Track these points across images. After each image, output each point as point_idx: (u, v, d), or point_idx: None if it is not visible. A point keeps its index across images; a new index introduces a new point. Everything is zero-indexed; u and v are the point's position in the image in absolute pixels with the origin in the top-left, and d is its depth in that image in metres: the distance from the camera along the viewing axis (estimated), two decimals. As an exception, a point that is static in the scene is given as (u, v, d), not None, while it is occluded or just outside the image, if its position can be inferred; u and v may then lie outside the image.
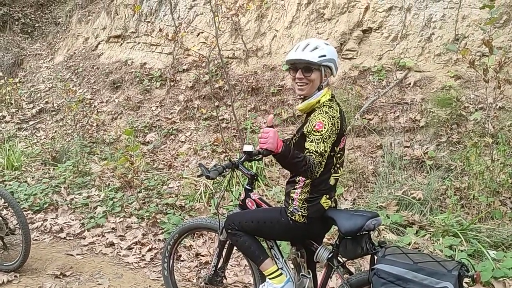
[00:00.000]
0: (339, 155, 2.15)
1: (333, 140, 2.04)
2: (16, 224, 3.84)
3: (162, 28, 6.40)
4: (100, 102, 7.13)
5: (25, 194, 5.12)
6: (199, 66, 6.58)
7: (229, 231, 2.38)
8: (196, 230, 3.02)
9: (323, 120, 2.01)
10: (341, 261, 2.17)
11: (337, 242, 2.10)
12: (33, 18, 10.09)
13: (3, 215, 3.87)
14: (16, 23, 9.97)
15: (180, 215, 4.40)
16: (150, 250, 3.94)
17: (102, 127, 6.66)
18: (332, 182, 2.18)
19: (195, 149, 5.76)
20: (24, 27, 9.93)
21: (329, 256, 2.15)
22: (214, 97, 6.05)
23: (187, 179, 5.05)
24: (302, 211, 2.16)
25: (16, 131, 7.29)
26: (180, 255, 3.77)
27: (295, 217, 2.17)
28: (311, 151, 1.97)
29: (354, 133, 4.99)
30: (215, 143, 5.75)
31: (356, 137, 5.01)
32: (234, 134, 5.72)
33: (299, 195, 2.17)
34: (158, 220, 4.34)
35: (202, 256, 3.76)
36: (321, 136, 1.99)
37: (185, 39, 6.75)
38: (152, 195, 4.92)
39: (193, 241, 3.97)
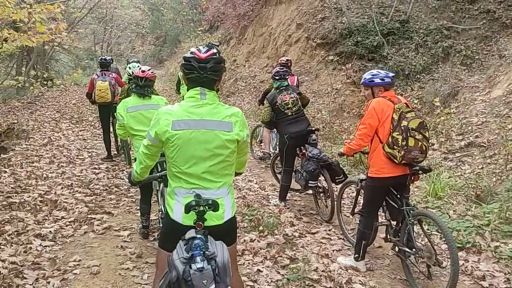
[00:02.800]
0: None
1: None
2: (441, 254, 3.78)
3: None
4: (539, 145, 6.29)
5: (448, 227, 5.04)
6: None
7: None
8: None
9: None
10: None
11: None
12: (474, 50, 10.03)
13: (432, 242, 3.88)
14: (457, 55, 10.19)
15: None
16: None
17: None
18: None
19: None
20: (464, 59, 10.01)
21: None
22: None
23: None
24: None
25: (441, 160, 7.40)
26: None
27: None
28: None
29: None
30: None
31: None
32: None
33: None
34: None
35: None
36: None
37: None
38: None
39: None
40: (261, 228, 5.11)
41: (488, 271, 4.22)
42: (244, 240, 4.77)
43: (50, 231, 4.75)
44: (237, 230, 4.88)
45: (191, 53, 2.45)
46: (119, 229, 5.04)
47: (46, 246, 4.43)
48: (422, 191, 6.38)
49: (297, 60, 13.74)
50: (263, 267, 4.19)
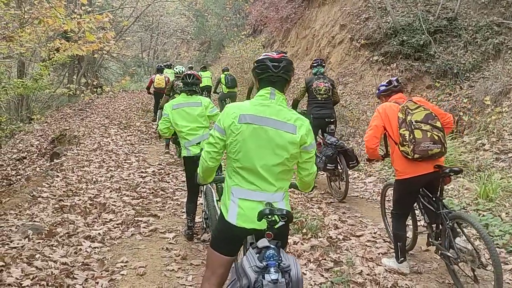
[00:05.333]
0: None
1: None
2: (488, 258, 3.63)
3: None
4: None
5: (500, 230, 4.83)
6: None
7: None
8: None
9: None
10: None
11: None
12: (528, 47, 9.57)
13: (475, 246, 3.73)
14: (509, 51, 9.74)
15: None
16: None
17: None
18: None
19: None
20: (516, 55, 9.56)
21: None
22: None
23: None
24: None
25: (493, 161, 7.09)
26: None
27: None
28: None
29: None
30: None
31: None
32: None
33: None
34: None
35: None
36: None
37: None
38: None
39: None
40: (304, 230, 5.08)
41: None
42: (288, 243, 4.74)
43: (99, 233, 4.92)
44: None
45: (265, 55, 2.57)
46: (165, 231, 5.15)
47: (95, 247, 4.59)
48: (473, 193, 6.12)
49: (341, 61, 13.58)
50: (306, 270, 4.15)
